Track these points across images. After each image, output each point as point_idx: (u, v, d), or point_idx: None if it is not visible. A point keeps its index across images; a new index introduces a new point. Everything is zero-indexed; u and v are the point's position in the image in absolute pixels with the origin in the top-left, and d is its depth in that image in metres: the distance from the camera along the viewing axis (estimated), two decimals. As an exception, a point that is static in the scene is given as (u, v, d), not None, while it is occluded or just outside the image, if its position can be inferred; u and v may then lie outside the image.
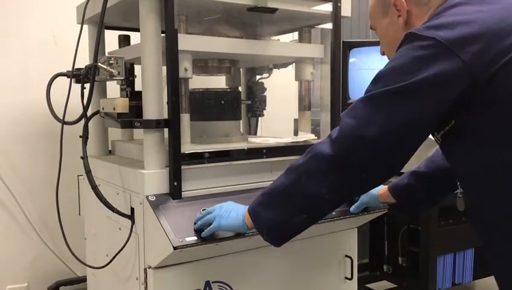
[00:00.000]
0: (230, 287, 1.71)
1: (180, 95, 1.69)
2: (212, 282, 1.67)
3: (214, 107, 1.98)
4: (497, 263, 1.24)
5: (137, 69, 1.74)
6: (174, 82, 1.58)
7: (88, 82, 1.71)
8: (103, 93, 2.09)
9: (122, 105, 1.65)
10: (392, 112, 1.16)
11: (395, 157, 1.21)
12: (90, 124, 1.79)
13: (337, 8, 1.90)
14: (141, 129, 1.64)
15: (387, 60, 1.26)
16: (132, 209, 1.69)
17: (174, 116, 1.59)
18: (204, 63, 2.00)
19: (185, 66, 1.71)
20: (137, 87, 1.80)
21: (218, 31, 2.08)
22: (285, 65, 2.27)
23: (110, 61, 1.64)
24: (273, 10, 1.78)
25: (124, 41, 2.12)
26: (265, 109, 2.38)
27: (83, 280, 2.46)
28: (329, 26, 1.95)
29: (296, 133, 2.08)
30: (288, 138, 1.93)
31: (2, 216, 2.49)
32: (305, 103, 2.08)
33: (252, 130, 2.43)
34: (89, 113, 1.77)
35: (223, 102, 1.99)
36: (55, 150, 1.87)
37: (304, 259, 1.87)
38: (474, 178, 1.22)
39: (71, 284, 2.58)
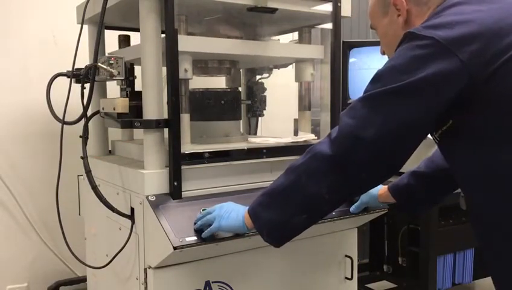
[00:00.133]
0: (230, 287, 1.71)
1: (180, 95, 1.69)
2: (212, 282, 1.67)
3: (214, 107, 1.98)
4: (496, 263, 1.24)
5: (137, 69, 1.73)
6: (174, 82, 1.58)
7: (88, 82, 1.71)
8: (103, 93, 2.09)
9: (122, 105, 1.65)
10: (391, 112, 1.16)
11: (394, 157, 1.21)
12: (90, 124, 1.79)
13: (337, 8, 1.90)
14: (141, 129, 1.64)
15: (387, 60, 1.26)
16: (132, 209, 1.69)
17: (174, 116, 1.59)
18: (204, 64, 2.00)
19: (185, 67, 1.71)
20: (137, 87, 1.80)
21: (218, 31, 2.09)
22: (285, 65, 2.27)
23: (110, 61, 1.64)
24: (273, 10, 1.78)
25: (124, 41, 2.12)
26: (265, 109, 2.38)
27: (83, 280, 2.46)
28: (329, 26, 1.95)
29: (296, 133, 2.08)
30: (288, 138, 1.93)
31: (2, 216, 2.49)
32: (305, 103, 2.08)
33: (252, 130, 2.43)
34: (89, 113, 1.77)
35: (223, 102, 1.99)
36: (55, 150, 1.87)
37: (304, 259, 1.87)
38: (473, 178, 1.22)
39: (71, 284, 2.58)
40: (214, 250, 1.59)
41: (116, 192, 1.81)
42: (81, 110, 1.74)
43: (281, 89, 2.49)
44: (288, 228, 1.34)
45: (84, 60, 1.91)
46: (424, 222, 2.53)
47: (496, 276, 1.26)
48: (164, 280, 1.59)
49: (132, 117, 1.68)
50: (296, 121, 2.12)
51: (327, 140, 1.25)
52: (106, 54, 1.95)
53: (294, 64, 2.09)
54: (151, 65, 1.61)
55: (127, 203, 1.71)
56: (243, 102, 2.28)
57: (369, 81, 1.22)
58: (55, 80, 1.95)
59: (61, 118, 1.86)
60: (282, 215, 1.33)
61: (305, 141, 1.92)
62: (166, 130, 1.63)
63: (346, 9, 1.94)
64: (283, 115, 2.43)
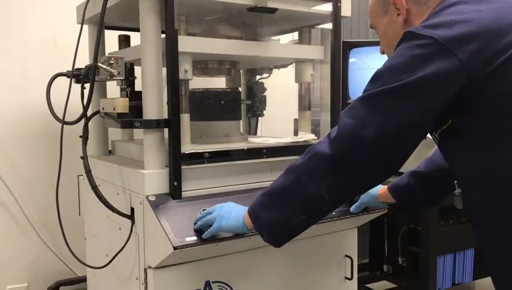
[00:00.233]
0: (230, 287, 1.71)
1: (180, 95, 1.69)
2: (212, 282, 1.67)
3: (214, 107, 1.98)
4: (496, 263, 1.24)
5: (137, 70, 1.74)
6: (174, 82, 1.58)
7: (88, 82, 1.71)
8: (103, 93, 2.09)
9: (122, 105, 1.65)
10: (390, 112, 1.16)
11: (394, 157, 1.21)
12: (90, 124, 1.79)
13: (337, 8, 1.90)
14: (141, 129, 1.64)
15: (387, 59, 1.26)
16: (132, 209, 1.69)
17: (174, 116, 1.59)
18: (204, 65, 2.00)
19: (185, 67, 1.71)
20: (137, 87, 1.80)
21: (218, 31, 2.09)
22: (285, 65, 2.27)
23: (110, 61, 1.64)
24: (273, 10, 1.78)
25: (124, 41, 2.12)
26: (265, 109, 2.38)
27: (83, 280, 2.46)
28: (329, 26, 1.95)
29: (296, 133, 2.08)
30: (288, 138, 1.93)
31: (2, 216, 2.49)
32: (305, 103, 2.08)
33: (252, 130, 2.43)
34: (89, 113, 1.77)
35: (223, 102, 1.99)
36: (55, 150, 1.87)
37: (304, 259, 1.87)
38: (473, 178, 1.22)
39: (71, 284, 2.58)
40: (214, 250, 1.59)
41: (116, 192, 1.81)
42: (81, 110, 1.74)
43: (281, 89, 2.49)
44: (288, 228, 1.34)
45: (84, 60, 1.91)
46: (424, 222, 2.53)
47: (496, 276, 1.26)
48: (164, 280, 1.59)
49: (132, 117, 1.68)
50: (296, 121, 2.12)
51: (327, 140, 1.25)
52: (106, 54, 1.95)
53: (294, 64, 2.09)
54: (151, 65, 1.61)
55: (127, 203, 1.71)
56: (243, 102, 2.28)
57: (368, 80, 1.22)
58: (55, 80, 1.95)
59: (61, 118, 1.86)
60: (282, 216, 1.33)
61: (305, 141, 1.92)
62: (166, 130, 1.63)
63: (346, 9, 1.94)
64: (283, 115, 2.43)
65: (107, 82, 1.99)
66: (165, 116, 1.63)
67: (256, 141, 1.94)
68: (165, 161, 1.65)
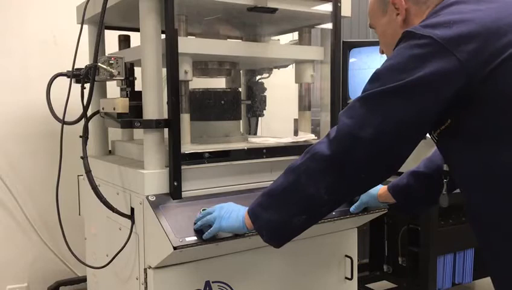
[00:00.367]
0: (230, 287, 1.71)
1: (180, 95, 1.69)
2: (212, 282, 1.67)
3: (214, 107, 1.98)
4: (495, 263, 1.24)
5: (137, 71, 1.74)
6: (174, 82, 1.58)
7: (88, 82, 1.71)
8: (103, 93, 2.09)
9: (122, 105, 1.65)
10: (389, 112, 1.16)
11: (393, 157, 1.21)
12: (90, 124, 1.79)
13: (337, 8, 1.90)
14: (141, 129, 1.64)
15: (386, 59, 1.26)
16: (132, 209, 1.69)
17: (174, 116, 1.59)
18: (204, 66, 2.00)
19: (185, 68, 1.71)
20: (137, 88, 1.80)
21: (218, 31, 2.09)
22: (285, 65, 2.27)
23: (110, 61, 1.64)
24: (273, 10, 1.78)
25: (124, 41, 2.12)
26: (265, 109, 2.38)
27: (83, 280, 2.46)
28: (329, 26, 1.95)
29: (296, 133, 2.08)
30: (288, 138, 1.93)
31: (2, 216, 2.49)
32: (305, 103, 2.08)
33: (252, 130, 2.43)
34: (89, 113, 1.77)
35: (223, 102, 1.99)
36: (55, 150, 1.87)
37: (304, 259, 1.87)
38: (472, 177, 1.22)
39: (71, 284, 2.58)
40: (214, 250, 1.59)
41: (116, 192, 1.81)
42: (81, 110, 1.74)
43: (281, 89, 2.49)
44: (287, 228, 1.34)
45: (84, 60, 1.91)
46: (424, 222, 2.53)
47: (495, 276, 1.26)
48: (164, 280, 1.59)
49: (132, 117, 1.68)
50: (296, 121, 2.12)
51: (326, 140, 1.25)
52: (106, 54, 1.95)
53: (294, 65, 2.09)
54: (151, 65, 1.61)
55: (127, 203, 1.72)
56: (243, 102, 2.28)
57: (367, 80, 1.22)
58: (55, 80, 1.95)
59: (61, 118, 1.86)
60: (281, 216, 1.33)
61: (305, 141, 1.92)
62: (166, 130, 1.63)
63: (346, 9, 1.94)
64: (283, 115, 2.44)
65: (107, 82, 1.99)
66: (165, 116, 1.63)
67: (256, 141, 1.94)
68: (165, 161, 1.65)
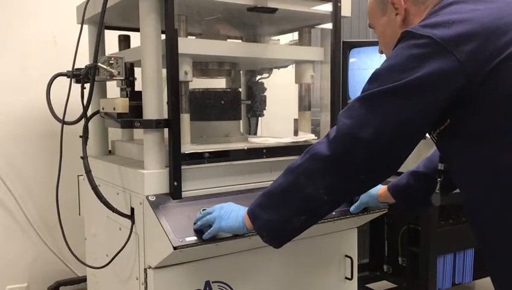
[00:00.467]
0: (230, 287, 1.71)
1: (180, 95, 1.69)
2: (212, 282, 1.67)
3: (214, 107, 1.98)
4: (495, 263, 1.24)
5: (137, 72, 1.74)
6: (174, 82, 1.58)
7: (88, 82, 1.71)
8: (103, 93, 2.09)
9: (122, 105, 1.65)
10: (388, 112, 1.16)
11: (392, 157, 1.20)
12: (90, 124, 1.79)
13: (337, 8, 1.90)
14: (141, 129, 1.64)
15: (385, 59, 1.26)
16: (132, 209, 1.69)
17: (174, 116, 1.59)
18: (204, 66, 2.00)
19: (185, 69, 1.71)
20: (137, 88, 1.80)
21: (218, 31, 2.09)
22: (285, 65, 2.27)
23: (110, 61, 1.64)
24: (273, 10, 1.78)
25: (124, 41, 2.12)
26: (265, 109, 2.38)
27: (83, 280, 2.46)
28: (329, 26, 1.95)
29: (296, 133, 2.08)
30: (288, 138, 1.93)
31: (2, 216, 2.49)
32: (305, 103, 2.08)
33: (252, 130, 2.43)
34: (89, 113, 1.77)
35: (223, 102, 1.99)
36: (55, 150, 1.87)
37: (304, 259, 1.87)
38: (471, 177, 1.22)
39: (71, 284, 2.58)
40: (214, 250, 1.59)
41: (116, 192, 1.81)
42: (81, 110, 1.74)
43: (281, 89, 2.49)
44: (287, 228, 1.34)
45: (84, 60, 1.91)
46: (424, 222, 2.53)
47: (495, 276, 1.26)
48: (164, 280, 1.59)
49: (132, 117, 1.68)
50: (296, 121, 2.12)
51: (325, 140, 1.24)
52: (106, 54, 1.95)
53: (294, 65, 2.09)
54: (151, 65, 1.61)
55: (127, 203, 1.72)
56: (243, 102, 2.28)
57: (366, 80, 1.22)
58: (55, 80, 1.95)
59: (61, 118, 1.86)
60: (281, 217, 1.32)
61: (305, 141, 1.92)
62: (166, 130, 1.63)
63: (346, 9, 1.94)
64: (283, 115, 2.44)
65: (107, 82, 1.99)
66: (165, 116, 1.63)
67: (256, 141, 1.94)
68: (165, 161, 1.65)
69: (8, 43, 2.46)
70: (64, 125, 1.84)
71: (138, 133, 1.88)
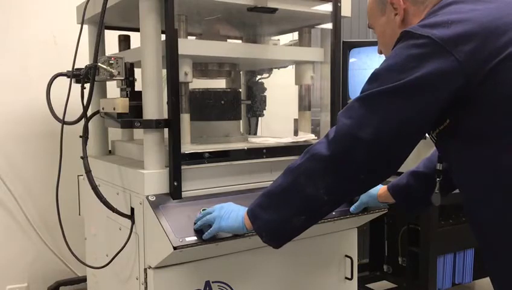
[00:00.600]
0: (230, 287, 1.71)
1: (180, 95, 1.69)
2: (212, 282, 1.67)
3: (214, 107, 1.98)
4: (495, 263, 1.24)
5: (137, 72, 1.74)
6: (174, 82, 1.58)
7: (88, 82, 1.71)
8: (103, 93, 2.09)
9: (122, 105, 1.65)
10: (388, 112, 1.16)
11: (392, 157, 1.20)
12: (90, 124, 1.79)
13: (337, 8, 1.90)
14: (141, 129, 1.64)
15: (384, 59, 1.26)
16: (132, 209, 1.69)
17: (174, 116, 1.59)
18: (204, 67, 2.00)
19: (185, 70, 1.71)
20: (137, 88, 1.80)
21: (218, 31, 2.09)
22: (285, 66, 2.27)
23: (110, 61, 1.64)
24: (273, 10, 1.78)
25: (124, 41, 2.12)
26: (265, 109, 2.38)
27: (83, 280, 2.46)
28: (329, 26, 1.95)
29: (296, 133, 2.08)
30: (288, 138, 1.93)
31: (2, 216, 2.49)
32: (305, 103, 2.08)
33: (252, 130, 2.43)
34: (89, 113, 1.77)
35: (223, 102, 1.99)
36: (55, 150, 1.87)
37: (304, 259, 1.87)
38: (471, 177, 1.22)
39: (71, 284, 2.58)
40: (214, 250, 1.59)
41: (116, 192, 1.81)
42: (81, 110, 1.74)
43: (281, 89, 2.49)
44: (287, 229, 1.34)
45: (84, 60, 1.91)
46: (424, 222, 2.53)
47: (495, 276, 1.26)
48: (164, 280, 1.59)
49: (132, 117, 1.68)
50: (296, 121, 2.12)
51: (325, 140, 1.24)
52: (106, 54, 1.95)
53: (294, 66, 2.09)
54: (151, 65, 1.61)
55: (127, 203, 1.72)
56: (243, 102, 2.28)
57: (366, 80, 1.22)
58: (55, 80, 1.95)
59: (61, 118, 1.86)
60: (280, 217, 1.32)
61: (305, 141, 1.92)
62: (166, 130, 1.63)
63: (346, 9, 1.94)
64: (283, 115, 2.44)
65: (107, 82, 1.99)
66: (165, 116, 1.63)
67: (256, 141, 1.94)
68: (165, 161, 1.65)
69: (8, 43, 2.46)
70: (64, 125, 1.84)
71: (138, 133, 1.88)
